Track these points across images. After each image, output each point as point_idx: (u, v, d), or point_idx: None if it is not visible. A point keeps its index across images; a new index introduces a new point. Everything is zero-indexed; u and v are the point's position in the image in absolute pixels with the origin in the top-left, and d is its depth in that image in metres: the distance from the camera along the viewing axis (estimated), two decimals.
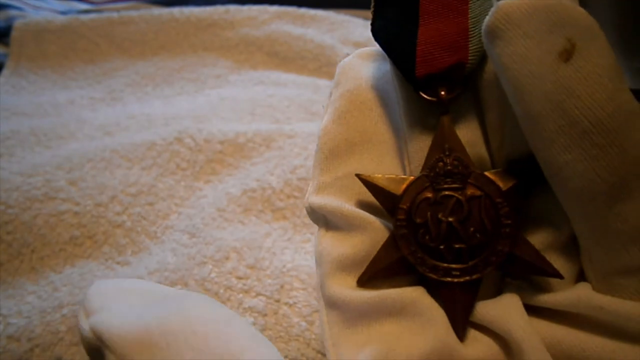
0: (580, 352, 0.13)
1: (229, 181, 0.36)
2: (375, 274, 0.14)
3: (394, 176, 0.14)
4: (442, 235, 0.13)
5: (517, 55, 0.12)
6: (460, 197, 0.14)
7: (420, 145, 0.15)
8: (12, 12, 0.58)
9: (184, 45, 0.54)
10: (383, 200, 0.14)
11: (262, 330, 0.26)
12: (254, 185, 0.34)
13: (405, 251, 0.14)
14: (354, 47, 0.55)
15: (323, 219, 0.15)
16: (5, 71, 0.50)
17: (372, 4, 0.16)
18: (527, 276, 0.14)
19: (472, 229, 0.13)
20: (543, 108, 0.12)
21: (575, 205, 0.13)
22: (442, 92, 0.14)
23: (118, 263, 0.30)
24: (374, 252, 0.14)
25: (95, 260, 0.30)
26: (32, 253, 0.30)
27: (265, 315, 0.26)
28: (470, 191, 0.14)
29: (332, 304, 0.14)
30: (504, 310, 0.13)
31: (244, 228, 0.32)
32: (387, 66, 0.16)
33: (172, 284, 0.28)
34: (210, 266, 0.29)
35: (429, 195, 0.14)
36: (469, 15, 0.14)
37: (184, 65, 0.52)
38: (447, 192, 0.14)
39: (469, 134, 0.14)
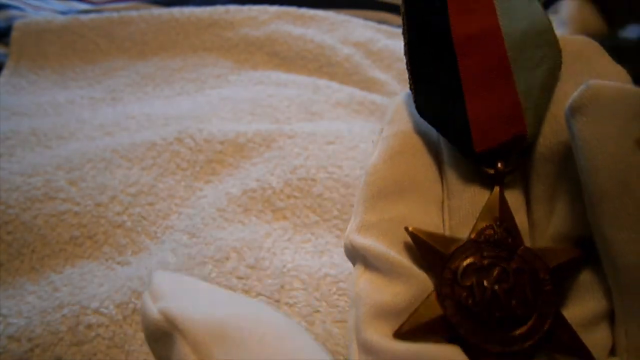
0: None
1: (229, 181, 0.36)
2: (415, 328, 0.14)
3: (442, 235, 0.15)
4: (485, 301, 0.13)
5: (597, 134, 0.12)
6: (506, 267, 0.14)
7: (462, 203, 0.15)
8: (12, 12, 0.58)
9: (184, 45, 0.54)
10: (429, 257, 0.14)
11: None
12: (254, 185, 0.34)
13: (448, 311, 0.14)
14: (354, 47, 0.55)
15: (362, 258, 0.15)
16: (5, 71, 0.50)
17: (410, 81, 0.16)
18: (562, 355, 0.14)
19: (514, 301, 0.13)
20: (612, 187, 0.12)
21: (624, 281, 0.13)
22: (500, 164, 0.15)
23: (118, 263, 0.30)
24: (415, 305, 0.14)
25: (95, 260, 0.30)
26: (32, 253, 0.30)
27: None
28: (516, 264, 0.14)
29: (367, 349, 0.14)
30: None
31: (244, 228, 0.32)
32: None
33: None
34: (210, 266, 0.29)
35: (476, 260, 0.14)
36: (518, 89, 0.15)
37: (184, 65, 0.52)
38: (493, 261, 0.14)
39: (511, 201, 0.15)
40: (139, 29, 0.55)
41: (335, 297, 0.27)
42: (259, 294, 0.27)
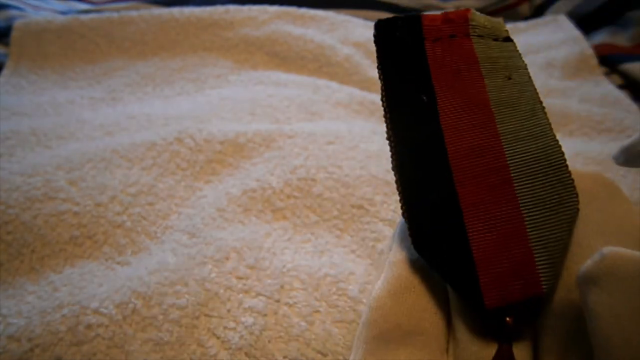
0: None
1: (229, 181, 0.36)
2: None
3: None
4: None
5: (612, 307, 0.12)
6: None
7: (468, 356, 0.14)
8: (12, 12, 0.58)
9: (184, 45, 0.54)
10: None
11: (262, 330, 0.26)
12: (254, 185, 0.34)
13: None
14: (354, 47, 0.55)
15: None
16: (5, 71, 0.50)
17: (402, 208, 0.14)
18: None
19: None
20: None
21: None
22: (508, 319, 0.13)
23: (118, 263, 0.30)
24: None
25: (95, 260, 0.30)
26: (32, 253, 0.30)
27: (265, 315, 0.26)
28: None
29: None
30: None
31: (244, 228, 0.32)
32: None
33: (172, 284, 0.28)
34: (210, 266, 0.29)
35: None
36: (530, 239, 0.13)
37: (184, 65, 0.52)
38: None
39: (519, 355, 0.14)
40: (139, 29, 0.55)
41: (335, 297, 0.27)
42: (258, 294, 0.27)
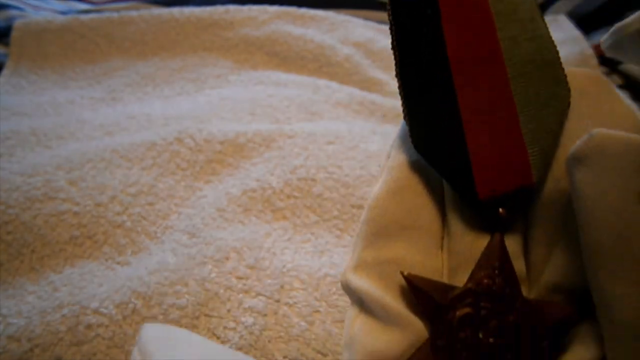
0: None
1: (229, 181, 0.36)
2: None
3: (438, 282, 0.14)
4: (479, 355, 0.13)
5: (599, 188, 0.12)
6: (503, 321, 0.13)
7: (462, 247, 0.15)
8: (12, 12, 0.58)
9: (184, 45, 0.54)
10: (424, 304, 0.14)
11: (262, 330, 0.26)
12: (254, 185, 0.34)
13: None
14: (354, 47, 0.55)
15: (358, 300, 0.15)
16: (5, 71, 0.50)
17: (404, 111, 0.15)
18: None
19: (509, 354, 0.13)
20: (612, 242, 0.12)
21: (619, 335, 0.13)
22: (501, 210, 0.14)
23: (118, 263, 0.30)
24: (409, 353, 0.14)
25: (95, 260, 0.30)
26: (32, 253, 0.30)
27: (265, 315, 0.26)
28: (514, 317, 0.13)
29: None
30: None
31: (244, 228, 0.32)
32: None
33: (172, 284, 0.28)
34: (210, 266, 0.29)
35: (473, 311, 0.13)
36: (523, 131, 0.14)
37: (184, 65, 0.52)
38: (490, 313, 0.13)
39: (510, 245, 0.14)
40: (139, 29, 0.55)
41: (335, 297, 0.27)
42: (258, 294, 0.27)
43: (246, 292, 0.27)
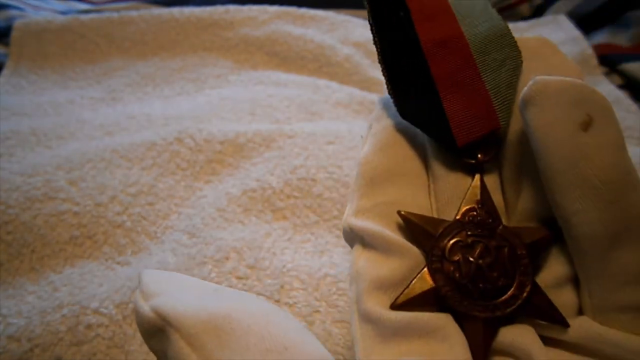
0: None
1: (229, 181, 0.36)
2: (408, 300, 0.15)
3: (430, 217, 0.16)
4: (470, 274, 0.15)
5: (546, 121, 0.15)
6: (488, 244, 0.16)
7: (447, 187, 0.17)
8: (12, 12, 0.58)
9: (184, 45, 0.54)
10: (420, 237, 0.16)
11: None
12: (254, 185, 0.34)
13: (439, 283, 0.15)
14: (354, 47, 0.55)
15: (360, 239, 0.17)
16: (5, 71, 0.50)
17: (388, 88, 0.18)
18: (538, 319, 0.16)
19: (496, 273, 0.15)
20: (562, 166, 0.15)
21: (581, 248, 0.15)
22: (479, 155, 0.17)
23: (118, 263, 0.30)
24: (410, 277, 0.16)
25: (95, 260, 0.30)
26: (32, 253, 0.30)
27: None
28: (496, 241, 0.16)
29: (367, 319, 0.15)
30: (521, 335, 0.15)
31: (244, 228, 0.32)
32: None
33: None
34: (210, 266, 0.29)
35: (461, 238, 0.16)
36: (487, 87, 0.17)
37: (184, 65, 0.52)
38: (476, 239, 0.16)
39: (489, 184, 0.17)
40: (139, 29, 0.55)
41: (335, 297, 0.27)
42: (258, 294, 0.27)
43: (246, 292, 0.28)
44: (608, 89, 0.50)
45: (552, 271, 0.16)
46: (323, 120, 0.43)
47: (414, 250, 0.16)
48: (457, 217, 0.16)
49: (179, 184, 0.35)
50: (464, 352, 0.15)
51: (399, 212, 0.16)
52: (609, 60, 0.55)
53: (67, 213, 0.32)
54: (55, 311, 0.26)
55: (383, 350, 0.15)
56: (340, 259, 0.30)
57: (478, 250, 0.16)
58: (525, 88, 0.15)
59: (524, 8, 0.71)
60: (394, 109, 0.18)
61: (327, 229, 0.32)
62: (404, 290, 0.15)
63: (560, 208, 0.15)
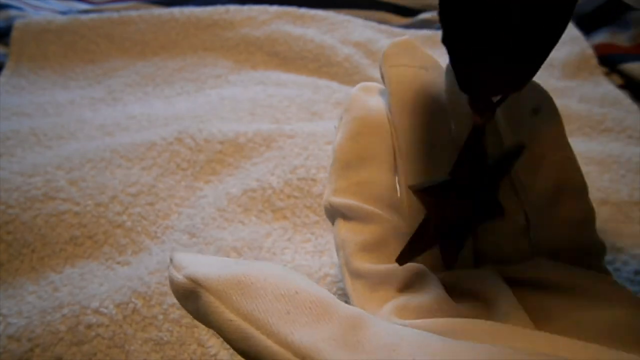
0: (546, 309, 0.18)
1: (229, 181, 0.36)
2: (411, 252, 0.18)
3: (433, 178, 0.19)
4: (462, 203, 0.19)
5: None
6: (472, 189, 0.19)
7: (462, 129, 0.20)
8: (12, 12, 0.58)
9: (184, 45, 0.54)
10: (423, 197, 0.19)
11: None
12: (254, 185, 0.34)
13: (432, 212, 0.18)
14: (354, 47, 0.55)
15: (340, 214, 0.20)
16: (5, 71, 0.50)
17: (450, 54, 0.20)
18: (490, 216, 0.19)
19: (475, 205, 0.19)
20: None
21: (534, 204, 0.20)
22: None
23: (118, 263, 0.30)
24: (387, 239, 0.19)
25: (95, 260, 0.30)
26: (32, 253, 0.30)
27: None
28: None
29: (357, 275, 0.19)
30: (487, 277, 0.18)
31: (244, 228, 0.32)
32: (385, 99, 0.22)
33: None
34: None
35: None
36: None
37: (184, 65, 0.52)
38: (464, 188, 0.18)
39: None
40: (139, 29, 0.55)
41: (335, 297, 0.27)
42: None
43: None
44: (608, 89, 0.50)
45: (515, 224, 0.20)
46: (323, 120, 0.43)
47: (391, 219, 0.19)
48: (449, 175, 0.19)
49: (179, 184, 0.35)
50: (439, 290, 0.18)
51: (410, 187, 0.19)
52: (609, 60, 0.55)
53: (67, 213, 0.32)
54: (56, 311, 0.26)
55: (374, 297, 0.18)
56: None
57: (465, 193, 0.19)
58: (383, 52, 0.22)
59: None
60: (362, 101, 0.21)
61: (327, 229, 0.32)
62: (407, 246, 0.18)
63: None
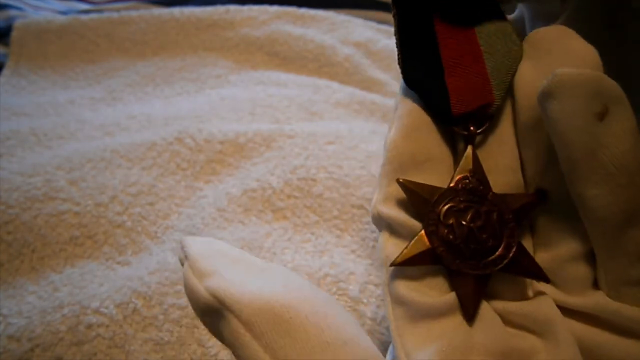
0: (597, 346, 0.16)
1: (229, 181, 0.36)
2: (407, 260, 0.17)
3: (427, 185, 0.18)
4: (462, 236, 0.17)
5: (564, 112, 0.16)
6: (478, 209, 0.17)
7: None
8: (12, 12, 0.58)
9: (184, 45, 0.54)
10: (417, 203, 0.17)
11: None
12: (254, 185, 0.34)
13: (434, 244, 0.17)
14: (354, 47, 0.55)
15: (387, 226, 0.18)
16: (5, 71, 0.50)
17: (399, 58, 0.19)
18: (523, 276, 0.17)
19: (485, 235, 0.17)
20: (580, 155, 0.16)
21: (597, 228, 0.16)
22: (472, 127, 0.18)
23: (118, 263, 0.30)
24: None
25: (95, 260, 0.30)
26: (32, 253, 0.30)
27: None
28: (486, 207, 0.17)
29: (399, 301, 0.17)
30: (542, 306, 0.17)
31: (245, 228, 0.32)
32: None
33: (173, 283, 0.28)
34: None
35: (454, 204, 0.17)
36: (487, 69, 0.19)
37: (184, 65, 0.52)
38: (468, 204, 0.17)
39: (510, 161, 0.18)
40: (139, 29, 0.55)
41: (335, 297, 0.27)
42: None
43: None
44: None
45: (569, 247, 0.17)
46: (323, 120, 0.43)
47: None
48: (451, 185, 0.18)
49: (179, 184, 0.35)
50: (483, 329, 0.17)
51: (397, 180, 0.17)
52: None
53: (67, 213, 0.32)
54: (56, 311, 0.26)
55: (414, 329, 0.17)
56: (341, 259, 0.30)
57: (470, 215, 0.17)
58: (545, 82, 0.16)
59: None
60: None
61: (328, 229, 0.32)
62: (403, 251, 0.17)
63: (578, 194, 0.16)
